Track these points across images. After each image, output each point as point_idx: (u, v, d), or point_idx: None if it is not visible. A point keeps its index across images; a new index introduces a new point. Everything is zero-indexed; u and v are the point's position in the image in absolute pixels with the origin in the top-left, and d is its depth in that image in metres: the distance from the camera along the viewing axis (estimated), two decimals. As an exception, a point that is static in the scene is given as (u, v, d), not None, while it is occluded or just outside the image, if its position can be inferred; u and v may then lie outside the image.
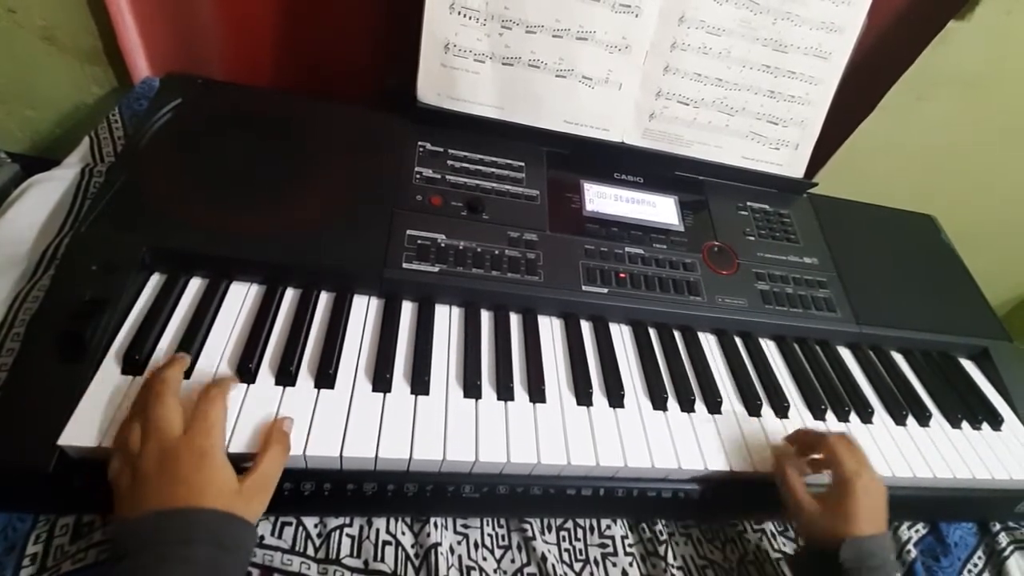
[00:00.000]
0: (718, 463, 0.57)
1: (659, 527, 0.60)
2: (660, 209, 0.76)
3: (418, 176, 0.68)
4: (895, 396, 0.71)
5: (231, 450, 0.45)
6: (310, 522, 0.52)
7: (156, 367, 0.47)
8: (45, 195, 0.68)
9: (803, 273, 0.76)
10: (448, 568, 0.52)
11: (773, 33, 0.74)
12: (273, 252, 0.58)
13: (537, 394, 0.57)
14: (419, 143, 0.71)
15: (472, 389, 0.55)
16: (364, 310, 0.60)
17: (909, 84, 0.89)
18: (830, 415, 0.66)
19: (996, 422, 0.72)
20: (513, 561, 0.55)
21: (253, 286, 0.58)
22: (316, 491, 0.49)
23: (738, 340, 0.71)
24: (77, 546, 0.46)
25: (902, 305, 0.79)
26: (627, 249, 0.70)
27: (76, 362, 0.47)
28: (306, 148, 0.66)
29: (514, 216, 0.68)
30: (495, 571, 0.54)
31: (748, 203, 0.81)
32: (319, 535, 0.51)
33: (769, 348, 0.72)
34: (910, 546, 0.66)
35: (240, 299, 0.57)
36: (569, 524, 0.59)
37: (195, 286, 0.57)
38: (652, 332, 0.68)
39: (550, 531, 0.58)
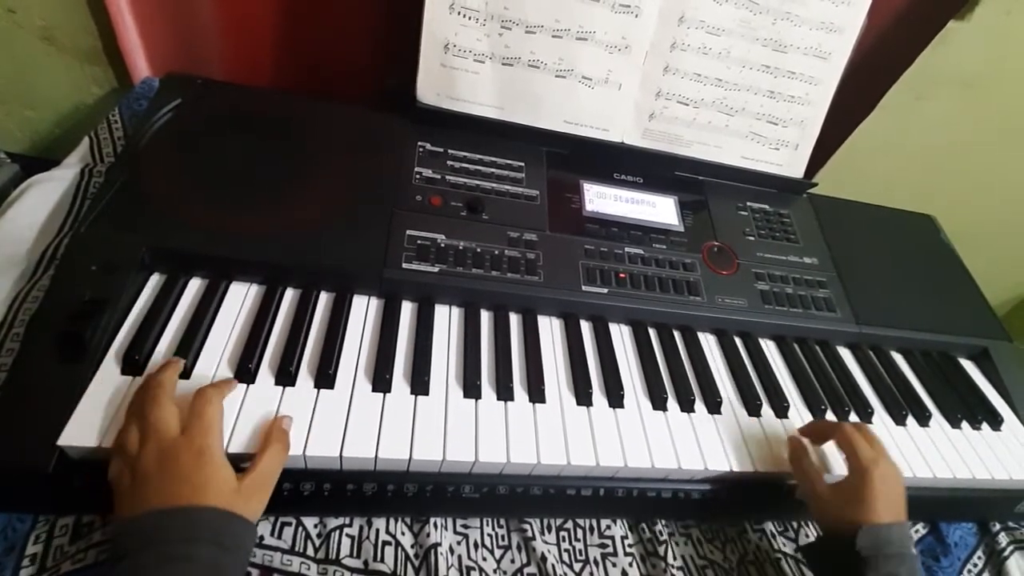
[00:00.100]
0: (718, 463, 0.57)
1: (659, 527, 0.60)
2: (660, 209, 0.76)
3: (418, 176, 0.68)
4: (895, 396, 0.71)
5: (231, 450, 0.45)
6: (310, 522, 0.52)
7: (152, 371, 0.47)
8: (45, 195, 0.68)
9: (803, 273, 0.76)
10: (448, 568, 0.52)
11: (773, 33, 0.74)
12: (273, 252, 0.58)
13: (537, 394, 0.57)
14: (419, 143, 0.71)
15: (472, 389, 0.55)
16: (364, 310, 0.60)
17: (909, 84, 0.89)
18: (830, 415, 0.66)
19: (996, 422, 0.72)
20: (513, 561, 0.55)
21: (253, 286, 0.58)
22: (316, 491, 0.49)
23: (738, 340, 0.71)
24: (77, 546, 0.46)
25: (902, 305, 0.79)
26: (627, 249, 0.70)
27: (76, 362, 0.47)
28: (306, 148, 0.66)
29: (514, 216, 0.68)
30: (495, 571, 0.54)
31: (748, 203, 0.81)
32: (319, 535, 0.51)
33: (769, 348, 0.72)
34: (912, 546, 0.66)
35: (240, 299, 0.57)
36: (569, 524, 0.59)
37: (195, 286, 0.57)
38: (652, 332, 0.68)
39: (550, 531, 0.58)
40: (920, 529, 0.69)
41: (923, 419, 0.69)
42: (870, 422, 0.67)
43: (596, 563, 0.57)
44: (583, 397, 0.58)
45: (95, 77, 0.85)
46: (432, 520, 0.54)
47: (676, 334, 0.69)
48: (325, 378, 0.52)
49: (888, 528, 0.50)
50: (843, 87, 0.78)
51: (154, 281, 0.56)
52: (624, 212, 0.74)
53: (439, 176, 0.69)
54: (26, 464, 0.43)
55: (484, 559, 0.54)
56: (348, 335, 0.57)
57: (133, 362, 0.48)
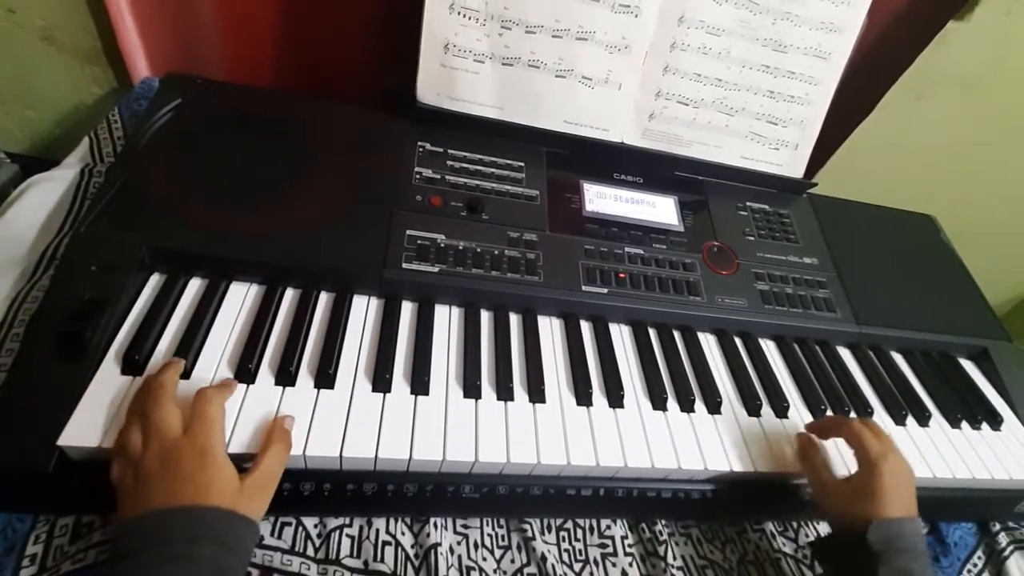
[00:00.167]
0: (718, 463, 0.57)
1: (659, 527, 0.60)
2: (660, 209, 0.76)
3: (418, 176, 0.68)
4: (895, 396, 0.71)
5: (231, 450, 0.45)
6: (310, 522, 0.52)
7: (152, 372, 0.47)
8: (45, 195, 0.68)
9: (803, 273, 0.76)
10: (448, 568, 0.52)
11: (773, 33, 0.74)
12: (273, 252, 0.58)
13: (537, 394, 0.57)
14: (419, 143, 0.71)
15: (472, 389, 0.55)
16: (364, 310, 0.60)
17: (909, 84, 0.89)
18: (830, 415, 0.66)
19: (996, 422, 0.72)
20: (513, 561, 0.55)
21: (253, 286, 0.58)
22: (316, 491, 0.49)
23: (738, 340, 0.71)
24: (77, 546, 0.46)
25: (902, 305, 0.79)
26: (627, 249, 0.70)
27: (76, 362, 0.47)
28: (306, 148, 0.66)
29: (514, 216, 0.68)
30: (495, 571, 0.54)
31: (748, 203, 0.81)
32: (319, 535, 0.51)
33: (769, 348, 0.72)
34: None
35: (240, 299, 0.57)
36: (569, 524, 0.59)
37: (195, 286, 0.57)
38: (652, 332, 0.68)
39: (550, 531, 0.58)
40: (920, 529, 0.69)
41: (923, 419, 0.69)
42: (870, 422, 0.67)
43: (596, 563, 0.57)
44: (583, 397, 0.58)
45: (95, 77, 0.85)
46: (432, 520, 0.54)
47: (676, 334, 0.69)
48: (325, 378, 0.52)
49: (899, 522, 0.50)
50: (843, 87, 0.78)
51: (154, 281, 0.56)
52: (624, 212, 0.74)
53: (439, 176, 0.69)
54: (26, 464, 0.43)
55: (484, 559, 0.54)
56: (348, 335, 0.57)
57: (133, 362, 0.48)
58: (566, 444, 0.54)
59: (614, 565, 0.57)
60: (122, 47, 0.79)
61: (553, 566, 0.54)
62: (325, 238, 0.59)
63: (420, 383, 0.54)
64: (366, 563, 0.51)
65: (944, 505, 0.67)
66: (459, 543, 0.55)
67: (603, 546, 0.58)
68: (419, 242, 0.62)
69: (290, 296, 0.59)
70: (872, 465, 0.52)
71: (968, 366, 0.80)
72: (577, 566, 0.56)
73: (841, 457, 0.59)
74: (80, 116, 0.89)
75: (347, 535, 0.52)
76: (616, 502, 0.57)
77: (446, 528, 0.55)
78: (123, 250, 0.53)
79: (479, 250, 0.64)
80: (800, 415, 0.65)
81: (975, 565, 0.68)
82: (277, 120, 0.68)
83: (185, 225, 0.56)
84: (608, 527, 0.60)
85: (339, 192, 0.63)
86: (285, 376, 0.51)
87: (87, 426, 0.44)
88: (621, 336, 0.66)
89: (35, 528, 0.46)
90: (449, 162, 0.70)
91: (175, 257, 0.56)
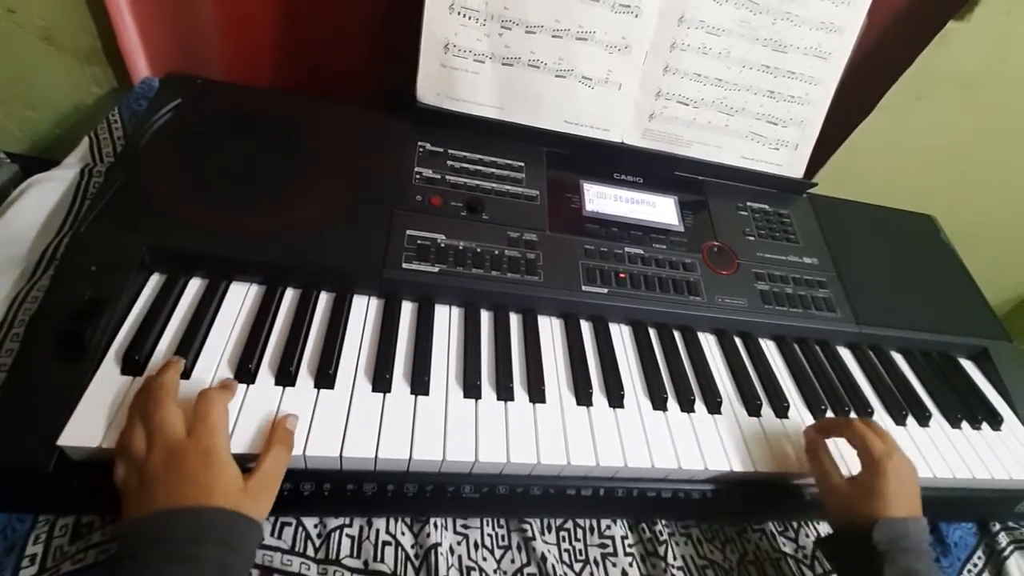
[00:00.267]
0: (718, 463, 0.57)
1: (659, 527, 0.60)
2: (660, 209, 0.76)
3: (418, 176, 0.68)
4: (895, 396, 0.71)
5: (232, 451, 0.45)
6: (310, 522, 0.52)
7: (152, 373, 0.47)
8: (44, 195, 0.68)
9: (803, 273, 0.76)
10: (448, 568, 0.52)
11: (773, 33, 0.74)
12: (273, 252, 0.58)
13: (537, 394, 0.57)
14: (419, 143, 0.71)
15: (472, 389, 0.55)
16: (364, 310, 0.60)
17: (908, 84, 0.89)
18: (830, 415, 0.66)
19: (996, 422, 0.72)
20: (513, 561, 0.55)
21: (253, 286, 0.58)
22: (316, 491, 0.49)
23: (738, 340, 0.71)
24: (76, 547, 0.46)
25: (902, 305, 0.79)
26: (627, 249, 0.70)
27: (76, 362, 0.47)
28: (306, 148, 0.66)
29: (514, 216, 0.68)
30: (495, 571, 0.54)
31: (748, 203, 0.81)
32: (319, 535, 0.51)
33: (769, 348, 0.72)
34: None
35: (240, 299, 0.57)
36: (569, 524, 0.59)
37: (195, 286, 0.57)
38: (652, 332, 0.68)
39: (550, 531, 0.58)
40: (920, 529, 0.69)
41: (923, 419, 0.69)
42: (870, 422, 0.67)
43: (596, 563, 0.57)
44: (583, 397, 0.58)
45: (95, 77, 0.85)
46: (432, 520, 0.54)
47: (676, 334, 0.69)
48: (325, 378, 0.52)
49: (904, 522, 0.50)
50: (843, 87, 0.78)
51: (154, 281, 0.56)
52: (624, 212, 0.74)
53: (439, 176, 0.69)
54: (26, 464, 0.43)
55: (484, 559, 0.54)
56: (348, 335, 0.57)
57: (133, 362, 0.48)
58: (566, 444, 0.54)
59: (614, 565, 0.57)
60: (122, 47, 0.79)
61: (553, 566, 0.54)
62: (325, 238, 0.59)
63: (420, 383, 0.54)
64: (366, 563, 0.51)
65: (944, 505, 0.67)
66: (459, 543, 0.55)
67: (603, 546, 0.58)
68: (419, 242, 0.62)
69: (290, 296, 0.59)
70: (876, 465, 0.52)
71: (968, 366, 0.80)
72: (577, 566, 0.56)
73: (842, 457, 0.59)
74: (80, 116, 0.89)
75: (347, 535, 0.52)
76: (616, 502, 0.57)
77: (446, 528, 0.55)
78: (123, 250, 0.53)
79: (479, 250, 0.64)
80: (800, 415, 0.65)
81: (975, 565, 0.68)
82: (277, 120, 0.68)
83: (185, 225, 0.56)
84: (608, 527, 0.60)
85: (339, 192, 0.63)
86: (285, 376, 0.51)
87: (87, 426, 0.44)
88: (621, 336, 0.66)
89: (35, 528, 0.46)
90: (449, 162, 0.70)
91: (175, 257, 0.56)
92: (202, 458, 0.41)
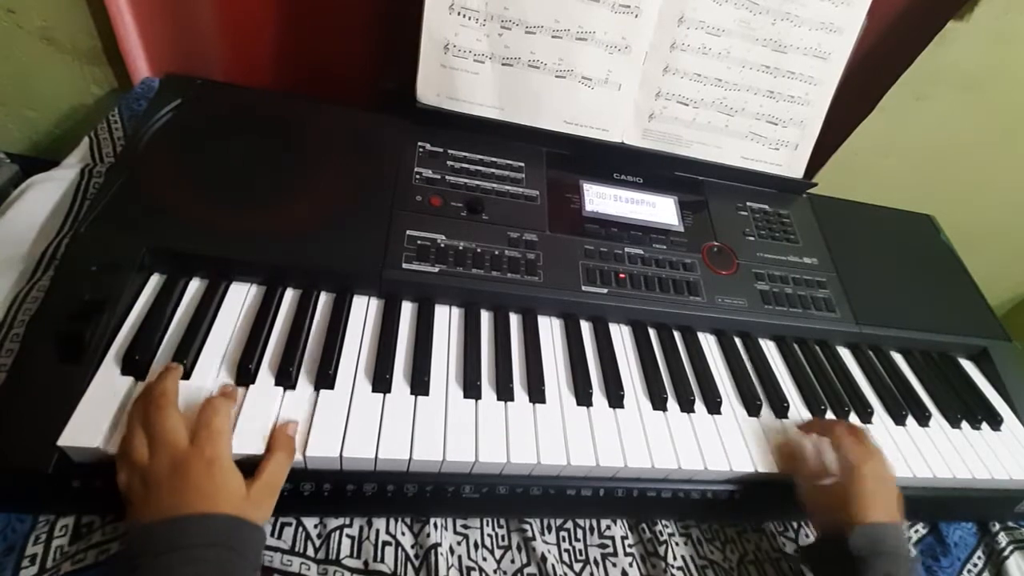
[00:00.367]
0: (718, 463, 0.57)
1: (659, 527, 0.60)
2: (660, 209, 0.76)
3: (418, 176, 0.68)
4: (894, 396, 0.71)
5: (232, 451, 0.45)
6: (310, 523, 0.52)
7: (152, 380, 0.47)
8: (44, 196, 0.68)
9: (802, 273, 0.76)
10: (448, 568, 0.52)
11: (772, 33, 0.74)
12: (273, 253, 0.58)
13: (537, 394, 0.57)
14: (419, 143, 0.71)
15: (472, 389, 0.55)
16: (364, 310, 0.60)
17: (908, 84, 0.89)
18: (829, 415, 0.66)
19: (995, 422, 0.72)
20: (513, 561, 0.55)
21: (253, 287, 0.58)
22: (316, 492, 0.49)
23: (738, 340, 0.71)
24: (76, 547, 0.46)
25: (901, 305, 0.79)
26: (627, 249, 0.70)
27: (76, 363, 0.47)
28: (306, 149, 0.66)
29: (514, 216, 0.68)
30: (495, 571, 0.54)
31: (748, 203, 0.81)
32: (319, 536, 0.51)
33: (769, 348, 0.72)
34: (910, 546, 0.66)
35: (240, 300, 0.57)
36: (569, 524, 0.59)
37: (195, 287, 0.57)
38: (652, 332, 0.68)
39: (550, 531, 0.58)
40: (920, 529, 0.69)
41: (923, 419, 0.69)
42: (869, 422, 0.67)
43: (596, 563, 0.57)
44: (583, 397, 0.58)
45: (95, 77, 0.85)
46: (432, 520, 0.54)
47: (676, 334, 0.69)
48: (325, 378, 0.52)
49: (882, 527, 0.50)
50: (843, 87, 0.78)
51: (154, 281, 0.56)
52: (624, 212, 0.74)
53: (439, 176, 0.69)
54: (26, 464, 0.43)
55: (484, 559, 0.54)
56: (348, 335, 0.57)
57: (133, 363, 0.48)
58: (566, 444, 0.54)
59: (614, 565, 0.57)
60: (122, 47, 0.79)
61: (553, 566, 0.54)
62: (325, 238, 0.59)
63: (420, 383, 0.54)
64: (366, 563, 0.51)
65: (944, 505, 0.67)
66: (459, 543, 0.55)
67: (603, 546, 0.58)
68: (419, 242, 0.62)
69: (290, 296, 0.59)
70: (852, 468, 0.52)
71: (968, 366, 0.80)
72: (577, 566, 0.56)
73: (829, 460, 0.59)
74: (80, 116, 0.89)
75: (347, 535, 0.52)
76: (616, 502, 0.57)
77: (446, 528, 0.55)
78: (123, 250, 0.53)
79: (479, 250, 0.64)
80: (800, 415, 0.65)
81: (975, 565, 0.68)
82: (277, 120, 0.68)
83: (185, 225, 0.56)
84: (608, 527, 0.60)
85: (339, 192, 0.63)
86: (285, 377, 0.51)
87: (87, 427, 0.44)
88: (621, 336, 0.66)
89: (35, 528, 0.46)
90: (449, 162, 0.70)
91: (175, 257, 0.56)
92: (206, 467, 0.41)
